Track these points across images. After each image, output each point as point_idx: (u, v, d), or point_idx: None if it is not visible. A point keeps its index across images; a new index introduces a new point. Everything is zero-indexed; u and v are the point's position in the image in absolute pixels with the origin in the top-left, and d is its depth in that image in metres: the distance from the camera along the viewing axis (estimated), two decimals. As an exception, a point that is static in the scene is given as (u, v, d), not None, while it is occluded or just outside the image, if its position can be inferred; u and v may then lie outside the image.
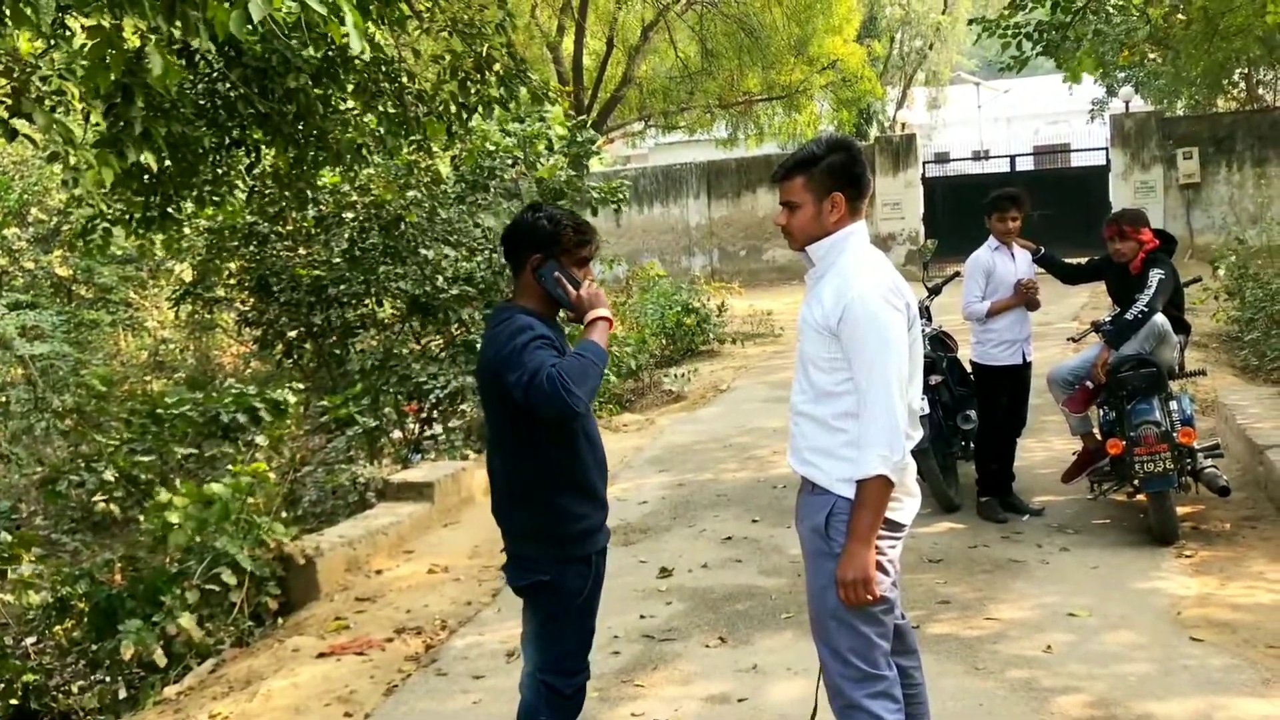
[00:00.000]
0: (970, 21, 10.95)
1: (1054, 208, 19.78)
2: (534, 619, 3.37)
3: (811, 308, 3.08)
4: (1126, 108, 22.50)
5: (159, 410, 7.92)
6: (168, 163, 6.53)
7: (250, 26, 4.24)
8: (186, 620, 5.63)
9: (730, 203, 23.52)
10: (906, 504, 3.10)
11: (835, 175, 3.07)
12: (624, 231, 22.73)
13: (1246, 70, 22.08)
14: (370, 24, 6.89)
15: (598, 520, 3.39)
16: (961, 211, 19.16)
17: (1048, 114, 39.91)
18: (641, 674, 4.77)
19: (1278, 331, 11.16)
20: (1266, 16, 11.08)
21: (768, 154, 25.45)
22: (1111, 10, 10.30)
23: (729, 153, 25.41)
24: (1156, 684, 4.29)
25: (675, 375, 12.51)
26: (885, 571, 3.02)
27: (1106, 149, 21.02)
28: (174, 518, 6.05)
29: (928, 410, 6.56)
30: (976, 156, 30.48)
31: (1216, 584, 5.35)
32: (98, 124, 5.88)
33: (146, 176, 6.75)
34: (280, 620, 6.07)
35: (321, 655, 5.33)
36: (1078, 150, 24.88)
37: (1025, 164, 24.05)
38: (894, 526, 3.05)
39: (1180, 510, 6.24)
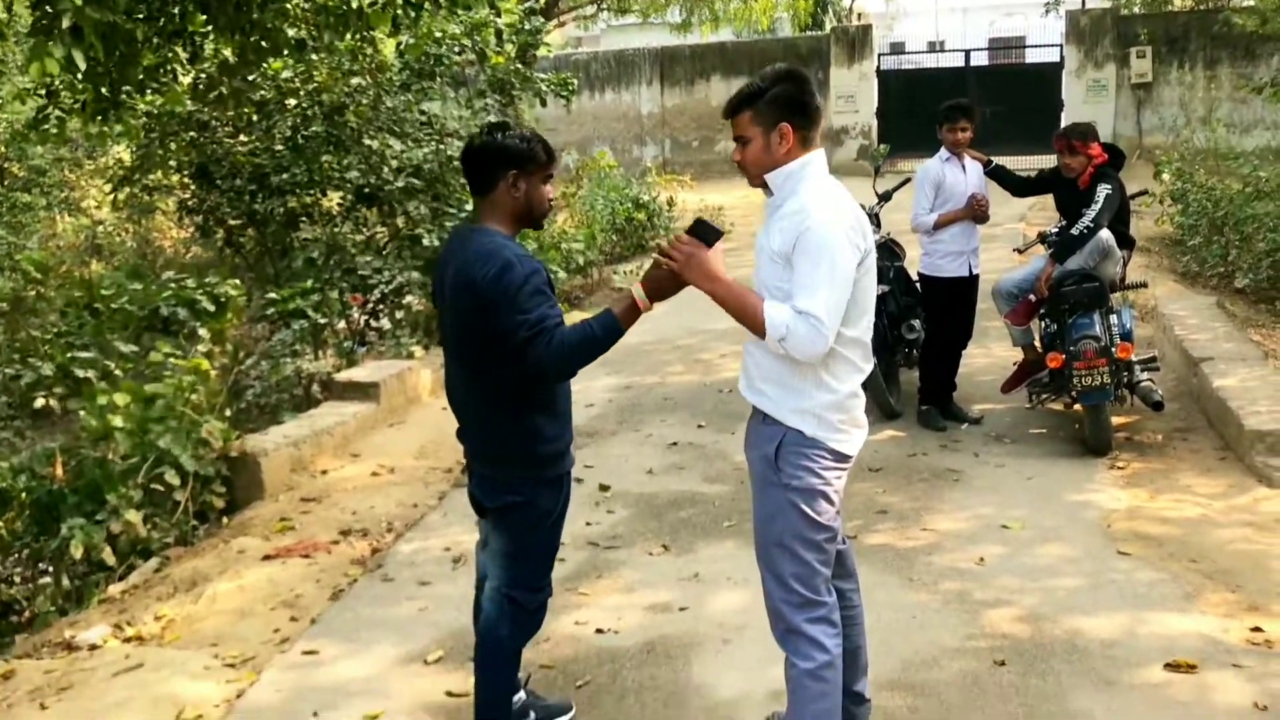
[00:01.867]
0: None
1: (1008, 104, 19.75)
2: (502, 538, 3.38)
3: (770, 235, 3.05)
4: (1083, 3, 22.27)
5: (96, 304, 7.76)
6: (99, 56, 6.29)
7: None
8: (133, 516, 5.60)
9: (684, 91, 23.16)
10: (854, 435, 3.14)
11: (781, 106, 3.03)
12: (574, 118, 22.33)
13: (1204, -33, 21.90)
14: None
15: (567, 440, 3.40)
16: (915, 106, 19.03)
17: (1004, 5, 39.40)
18: (586, 582, 4.85)
19: (1219, 238, 11.31)
20: None
21: (723, 41, 25.01)
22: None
23: (683, 38, 24.92)
24: (1085, 598, 4.43)
25: (625, 272, 12.46)
26: (830, 501, 3.07)
27: (1061, 46, 20.89)
28: (117, 419, 5.98)
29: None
30: (932, 48, 30.20)
31: (1146, 496, 5.51)
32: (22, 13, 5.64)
33: (90, 67, 6.51)
34: (225, 520, 6.07)
35: (267, 557, 5.34)
36: (1032, 46, 24.71)
37: (980, 59, 23.84)
38: (841, 458, 3.09)
39: (1115, 420, 6.39)
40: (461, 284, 3.16)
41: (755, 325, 2.95)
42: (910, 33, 37.38)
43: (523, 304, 3.06)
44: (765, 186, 3.10)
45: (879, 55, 22.28)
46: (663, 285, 3.07)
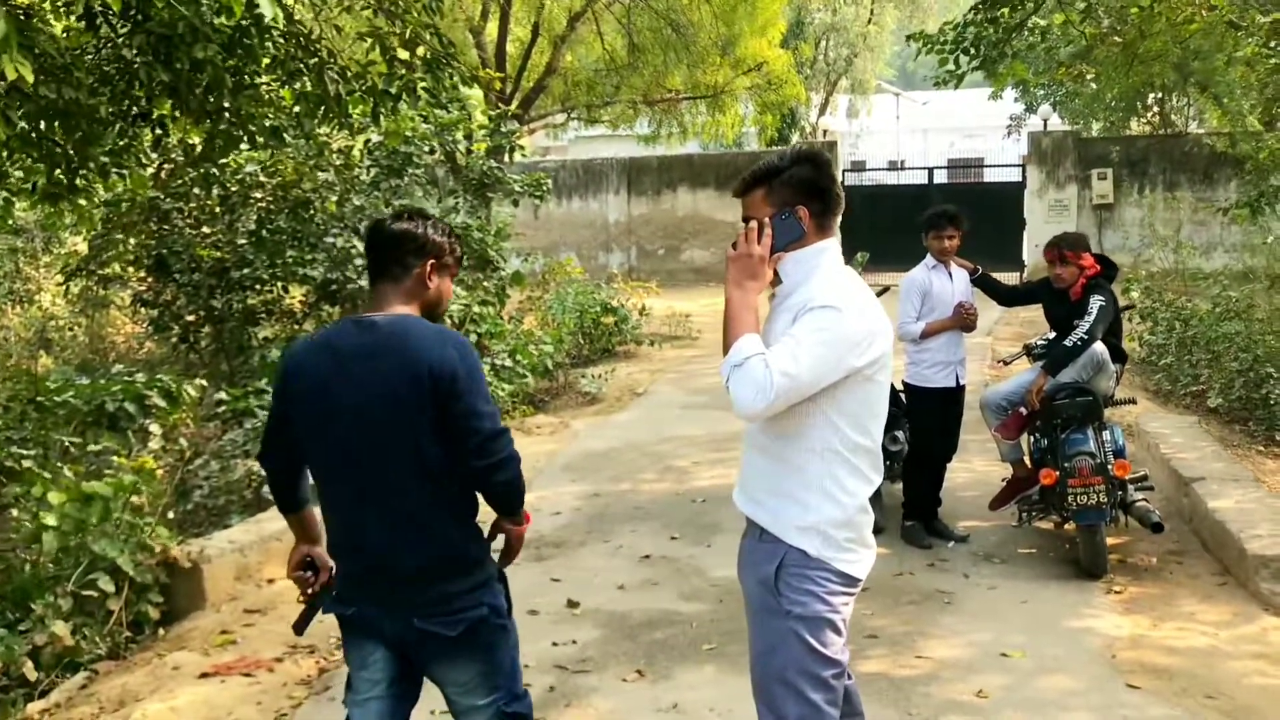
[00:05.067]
0: (909, 37, 10.67)
1: (970, 221, 19.92)
2: (476, 660, 2.98)
3: (775, 326, 2.78)
4: (1044, 126, 22.74)
5: (40, 399, 7.36)
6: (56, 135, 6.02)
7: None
8: (60, 628, 5.15)
9: (650, 201, 23.27)
10: (863, 557, 2.83)
11: (797, 188, 2.78)
12: (541, 224, 22.33)
13: (1160, 96, 22.46)
14: (288, -5, 6.48)
15: None
16: (878, 220, 19.18)
17: (964, 128, 40.47)
18: (553, 711, 4.43)
19: (1190, 357, 11.25)
20: (1192, 26, 11.14)
21: (689, 153, 25.26)
22: (1050, 24, 10.18)
23: (650, 149, 25.16)
24: (1097, 736, 4.10)
25: (591, 376, 12.19)
26: (838, 631, 2.75)
27: (1022, 166, 21.20)
28: (50, 519, 5.56)
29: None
30: (892, 166, 30.70)
31: (1149, 624, 5.21)
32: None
33: (48, 148, 6.23)
34: (161, 631, 5.61)
35: (204, 675, 4.90)
36: (993, 166, 25.14)
37: (941, 177, 24.22)
38: (849, 581, 2.77)
39: (1108, 541, 6.12)
40: (413, 373, 2.81)
41: (727, 344, 2.66)
42: (871, 151, 38.12)
43: (486, 391, 2.86)
44: (774, 276, 2.83)
45: (843, 171, 22.55)
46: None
